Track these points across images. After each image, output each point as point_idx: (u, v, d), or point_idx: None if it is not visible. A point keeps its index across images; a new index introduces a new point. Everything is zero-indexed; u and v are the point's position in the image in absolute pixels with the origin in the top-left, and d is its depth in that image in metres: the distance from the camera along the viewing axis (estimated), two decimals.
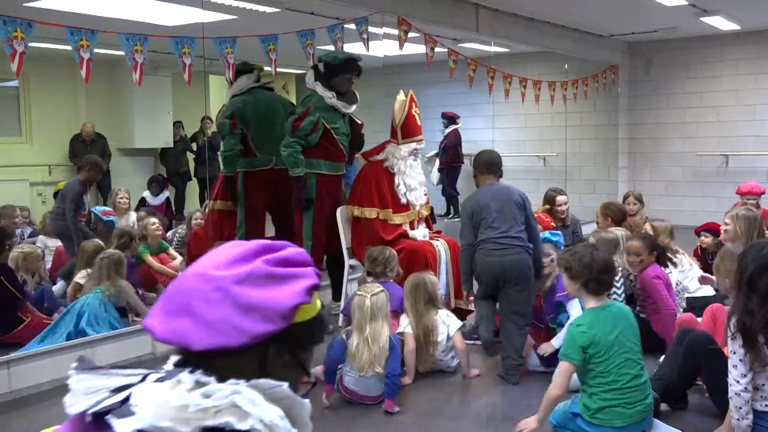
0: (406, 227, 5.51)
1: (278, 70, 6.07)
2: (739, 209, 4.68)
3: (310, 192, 5.64)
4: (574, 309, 4.16)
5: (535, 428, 3.35)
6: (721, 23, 9.31)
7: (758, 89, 10.31)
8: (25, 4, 6.15)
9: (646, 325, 4.29)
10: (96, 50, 4.54)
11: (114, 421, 0.95)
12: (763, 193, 6.51)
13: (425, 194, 5.72)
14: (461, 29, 7.83)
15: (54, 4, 6.34)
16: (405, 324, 4.33)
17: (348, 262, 5.60)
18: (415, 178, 5.55)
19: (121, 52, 4.73)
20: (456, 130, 11.09)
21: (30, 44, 4.22)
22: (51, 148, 9.66)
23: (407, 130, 5.55)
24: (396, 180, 5.49)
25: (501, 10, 8.12)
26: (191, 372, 0.98)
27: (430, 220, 5.86)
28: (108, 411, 0.97)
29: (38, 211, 8.10)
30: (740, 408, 2.94)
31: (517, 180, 10.85)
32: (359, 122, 5.98)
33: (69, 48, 4.49)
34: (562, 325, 4.25)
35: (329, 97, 5.58)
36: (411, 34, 6.72)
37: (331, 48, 6.13)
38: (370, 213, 5.44)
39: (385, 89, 5.92)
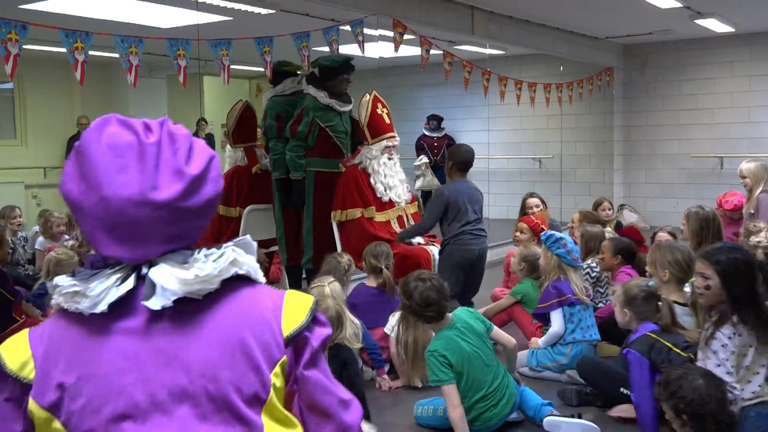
0: (395, 225, 5.53)
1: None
2: (692, 207, 4.68)
3: (307, 192, 5.74)
4: (555, 320, 4.29)
5: None
6: (715, 25, 9.33)
7: (752, 91, 10.34)
8: (19, 6, 6.14)
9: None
10: (91, 52, 4.53)
11: (147, 303, 1.20)
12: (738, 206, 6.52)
13: (408, 191, 5.75)
14: (456, 31, 7.84)
15: (48, 6, 6.33)
16: (390, 323, 4.32)
17: None
18: (393, 177, 5.59)
19: (116, 54, 4.72)
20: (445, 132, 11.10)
21: (24, 46, 4.20)
22: (46, 151, 9.64)
23: (374, 129, 5.62)
24: (371, 180, 5.53)
25: (496, 12, 8.14)
26: (191, 252, 1.26)
27: (418, 216, 5.87)
28: (122, 300, 1.22)
29: (33, 214, 8.07)
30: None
31: (512, 182, 10.90)
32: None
33: (63, 50, 4.47)
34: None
35: (322, 96, 5.67)
36: (406, 36, 6.72)
37: (326, 50, 6.14)
38: (354, 213, 5.51)
39: (380, 91, 5.93)
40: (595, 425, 3.38)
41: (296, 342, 1.29)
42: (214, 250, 1.28)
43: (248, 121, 6.38)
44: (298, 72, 6.14)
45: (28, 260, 6.50)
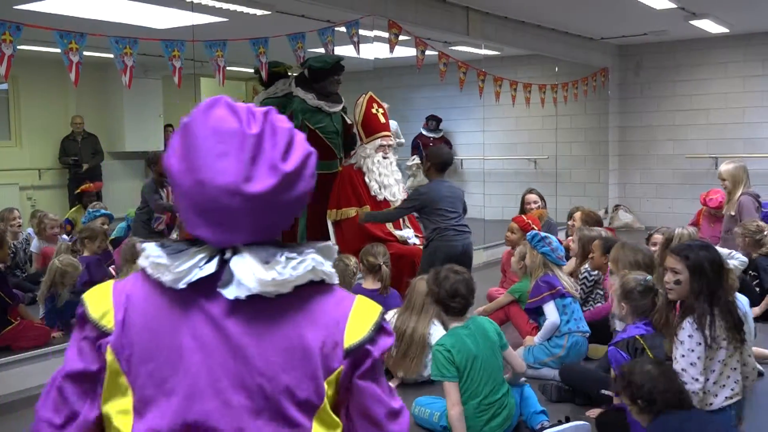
0: (390, 227, 5.54)
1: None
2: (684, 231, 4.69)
3: None
4: (550, 312, 4.34)
5: None
6: (709, 26, 9.36)
7: (746, 92, 10.37)
8: (14, 7, 6.13)
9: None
10: (86, 53, 4.53)
11: (223, 290, 1.23)
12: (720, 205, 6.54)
13: (404, 191, 5.76)
14: (452, 32, 7.84)
15: (43, 7, 6.31)
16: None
17: None
18: (388, 176, 5.61)
19: (111, 55, 4.72)
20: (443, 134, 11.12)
21: (19, 47, 4.20)
22: (41, 152, 9.61)
23: (369, 128, 5.69)
24: (366, 178, 5.54)
25: (491, 13, 8.14)
26: (275, 251, 1.27)
27: (413, 216, 5.88)
28: (202, 280, 1.24)
29: (28, 216, 8.04)
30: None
31: (508, 183, 10.91)
32: (349, 122, 6.05)
33: (58, 51, 4.47)
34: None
35: (311, 98, 5.68)
36: (401, 37, 6.73)
37: (322, 51, 6.14)
38: (348, 212, 5.53)
39: (375, 92, 5.96)
40: (586, 422, 3.46)
41: (356, 353, 1.30)
42: (295, 255, 1.28)
43: None
44: (289, 73, 6.14)
45: (25, 262, 6.47)
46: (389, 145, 5.74)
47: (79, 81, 4.53)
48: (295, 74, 6.13)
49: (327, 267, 1.32)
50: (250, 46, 5.67)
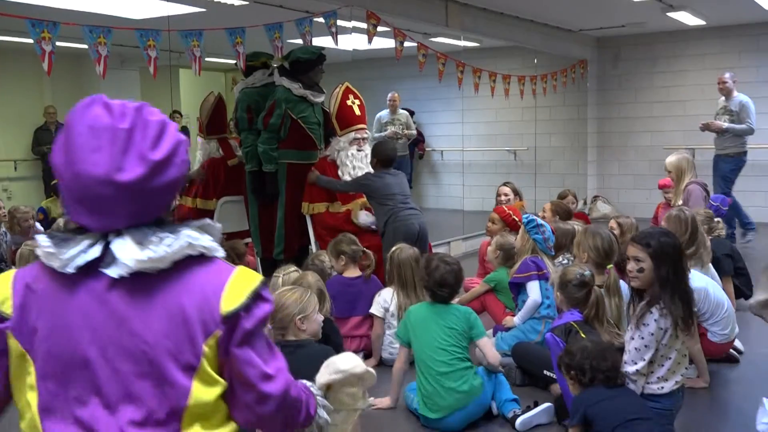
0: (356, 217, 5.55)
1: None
2: (673, 210, 4.74)
3: (280, 184, 5.74)
4: (532, 290, 4.35)
5: (390, 405, 3.71)
6: (686, 18, 9.44)
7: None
8: None
9: None
10: (61, 43, 4.48)
11: (106, 270, 1.39)
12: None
13: None
14: (430, 23, 7.85)
15: None
16: (377, 303, 4.37)
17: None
18: (363, 168, 5.60)
19: (87, 45, 4.67)
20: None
21: None
22: (16, 143, 9.50)
23: (343, 121, 5.66)
24: (339, 171, 5.55)
25: (470, 4, 8.15)
26: (150, 231, 1.41)
27: None
28: (89, 263, 1.39)
29: (5, 207, 7.94)
30: (629, 385, 3.04)
31: (487, 174, 10.94)
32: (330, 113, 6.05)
33: (31, 41, 4.42)
34: (524, 303, 4.41)
35: (296, 87, 5.67)
36: (380, 28, 6.72)
37: (299, 41, 6.12)
38: (320, 207, 5.56)
39: (354, 84, 5.93)
40: (550, 404, 3.55)
41: (232, 320, 1.44)
42: (168, 233, 1.43)
43: (221, 113, 6.37)
44: (269, 63, 6.12)
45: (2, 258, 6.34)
46: (364, 138, 5.72)
47: (55, 71, 4.50)
48: (276, 65, 6.10)
49: (204, 242, 1.47)
50: (226, 36, 5.64)
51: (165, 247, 1.41)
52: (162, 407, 1.40)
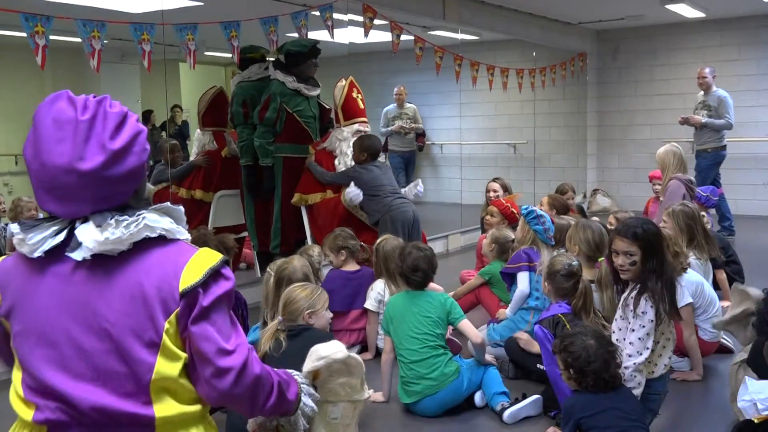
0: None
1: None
2: (675, 205, 4.73)
3: (276, 178, 5.75)
4: (521, 281, 4.37)
5: (382, 399, 3.75)
6: (685, 11, 9.41)
7: (723, 76, 10.40)
8: None
9: None
10: (61, 37, 4.49)
11: (71, 254, 1.51)
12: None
13: None
14: (428, 16, 7.83)
15: None
16: (371, 298, 4.38)
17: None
18: None
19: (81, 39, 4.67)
20: None
21: None
22: (16, 137, 9.50)
23: (348, 112, 5.68)
24: (336, 161, 5.55)
25: None
26: (109, 215, 1.52)
27: None
28: (57, 248, 1.52)
29: (6, 202, 7.94)
30: (636, 377, 3.02)
31: (486, 168, 10.93)
32: (327, 107, 6.06)
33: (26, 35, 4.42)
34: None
35: (290, 81, 5.67)
36: (377, 22, 6.70)
37: (295, 35, 6.12)
38: (314, 198, 5.56)
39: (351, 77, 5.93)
40: (539, 396, 3.58)
41: (189, 296, 1.54)
42: (127, 217, 1.54)
43: (221, 106, 6.38)
44: (267, 57, 6.12)
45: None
46: (365, 131, 5.74)
47: (55, 65, 4.51)
48: (271, 59, 6.10)
49: (165, 224, 1.58)
50: (221, 29, 5.63)
51: (123, 229, 1.51)
52: (129, 381, 1.51)
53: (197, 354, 1.55)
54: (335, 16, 6.31)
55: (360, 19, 6.62)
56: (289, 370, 2.00)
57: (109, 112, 1.54)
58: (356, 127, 5.66)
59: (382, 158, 5.94)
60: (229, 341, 1.56)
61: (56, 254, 1.53)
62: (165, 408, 1.54)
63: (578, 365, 2.84)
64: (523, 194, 6.64)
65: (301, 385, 2.00)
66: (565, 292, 3.58)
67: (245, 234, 6.29)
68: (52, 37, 4.52)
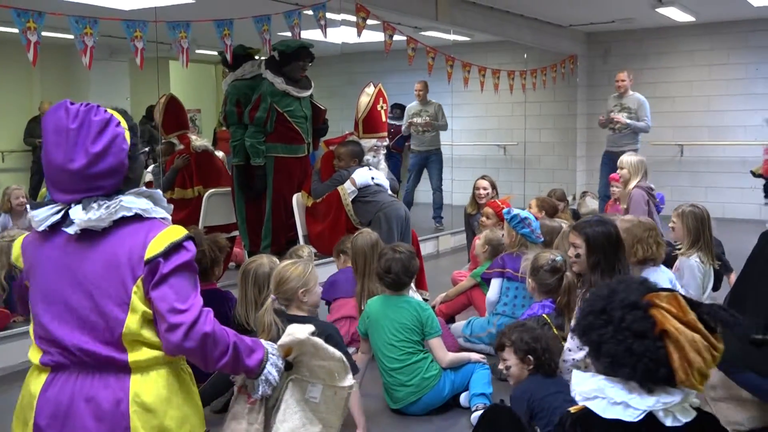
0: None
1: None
2: (685, 206, 4.72)
3: (267, 177, 5.72)
4: (492, 287, 4.47)
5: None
6: (676, 14, 9.46)
7: (712, 80, 10.51)
8: None
9: None
10: (51, 34, 4.45)
11: (65, 228, 1.91)
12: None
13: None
14: (420, 17, 7.83)
15: None
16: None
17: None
18: (381, 173, 5.54)
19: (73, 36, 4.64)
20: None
21: None
22: (4, 135, 9.43)
23: (369, 126, 5.54)
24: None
25: None
26: (93, 200, 1.90)
27: None
28: (56, 224, 1.93)
29: None
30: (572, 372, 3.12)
31: (477, 169, 10.89)
32: (322, 108, 6.02)
33: (17, 31, 4.39)
34: None
35: (279, 82, 5.64)
36: (369, 22, 6.69)
37: (288, 34, 6.10)
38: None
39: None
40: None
41: (152, 265, 1.87)
42: (106, 201, 1.91)
43: (176, 111, 6.41)
44: (256, 57, 6.10)
45: None
46: (382, 146, 5.67)
47: (45, 62, 4.47)
48: (263, 57, 6.08)
49: (140, 204, 1.94)
50: (214, 27, 5.61)
51: (103, 210, 1.88)
52: (107, 332, 1.88)
53: (156, 312, 1.88)
54: (328, 15, 6.30)
55: (353, 18, 6.62)
56: (264, 341, 2.26)
57: (93, 120, 1.88)
58: (374, 142, 5.56)
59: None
60: (185, 303, 1.87)
61: (56, 230, 1.94)
62: (137, 354, 1.89)
63: (541, 348, 3.07)
64: (514, 196, 6.63)
65: (269, 355, 2.22)
66: (548, 288, 3.60)
67: (236, 233, 6.27)
68: (42, 34, 4.48)
